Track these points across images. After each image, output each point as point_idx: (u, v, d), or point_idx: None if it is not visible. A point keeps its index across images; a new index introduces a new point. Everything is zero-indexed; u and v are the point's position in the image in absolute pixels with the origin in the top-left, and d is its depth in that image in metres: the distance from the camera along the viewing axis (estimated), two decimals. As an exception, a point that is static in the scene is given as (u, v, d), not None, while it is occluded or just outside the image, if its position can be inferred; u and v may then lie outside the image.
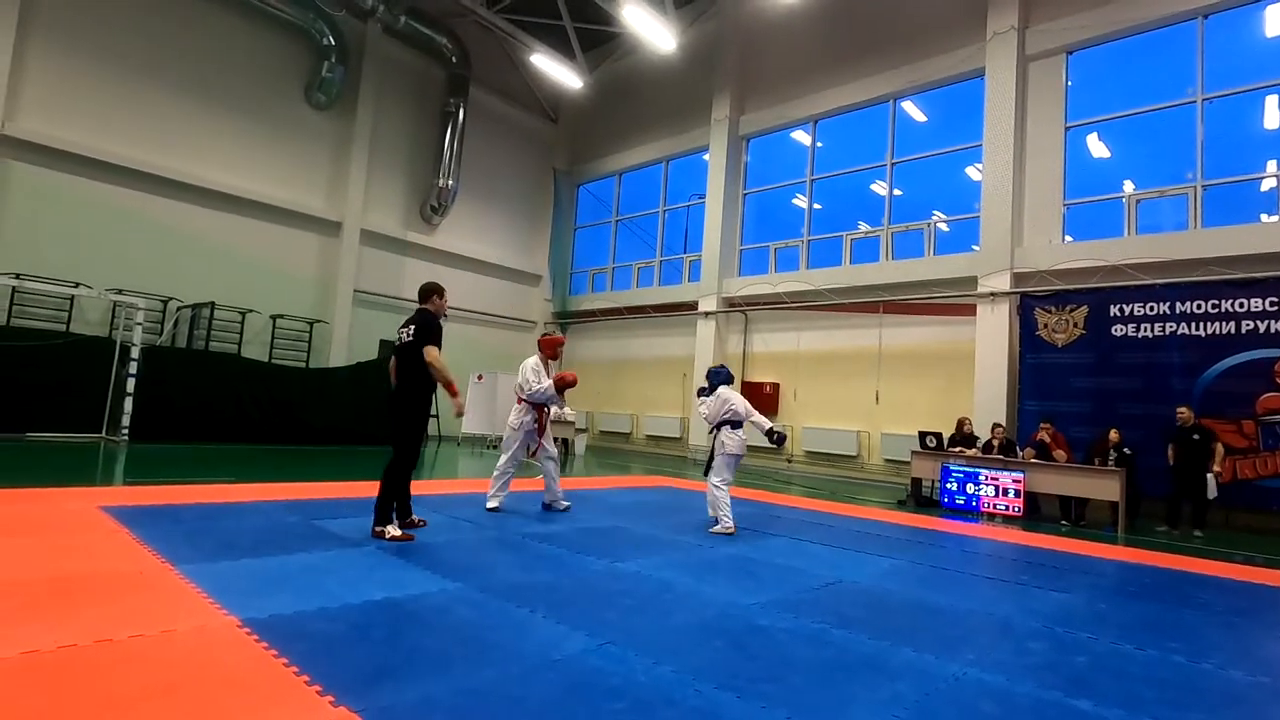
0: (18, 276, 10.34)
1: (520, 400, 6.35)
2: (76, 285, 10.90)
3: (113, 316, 11.47)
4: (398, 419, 4.90)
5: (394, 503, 4.90)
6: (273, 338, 13.60)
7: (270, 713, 2.12)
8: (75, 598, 3.05)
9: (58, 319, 11.03)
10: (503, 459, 6.35)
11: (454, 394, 4.80)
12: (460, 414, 5.08)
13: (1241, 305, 8.85)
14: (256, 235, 13.63)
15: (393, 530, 4.75)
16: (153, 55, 12.35)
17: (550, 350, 6.58)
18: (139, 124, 12.17)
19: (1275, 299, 8.62)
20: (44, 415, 9.69)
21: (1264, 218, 9.64)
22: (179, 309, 12.53)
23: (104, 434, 10.16)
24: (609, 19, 15.15)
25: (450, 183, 16.27)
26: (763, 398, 14.16)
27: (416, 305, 5.12)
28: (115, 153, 11.79)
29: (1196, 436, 8.17)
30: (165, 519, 4.87)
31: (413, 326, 4.83)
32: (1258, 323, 8.72)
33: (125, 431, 10.01)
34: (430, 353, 4.72)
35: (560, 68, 15.69)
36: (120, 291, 11.37)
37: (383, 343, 15.40)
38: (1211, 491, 7.88)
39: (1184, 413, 8.35)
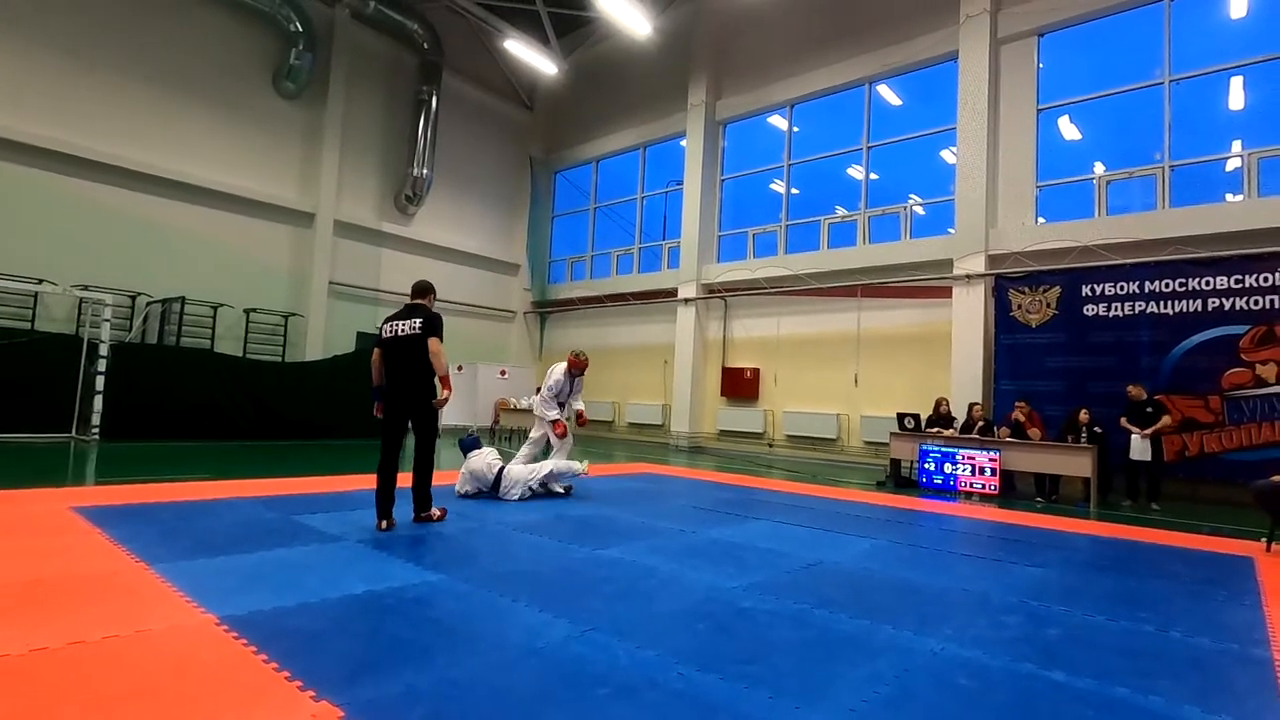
0: (-23, 273, 10.06)
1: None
2: (40, 282, 10.61)
3: (79, 313, 11.20)
4: (426, 410, 5.05)
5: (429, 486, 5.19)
6: (246, 332, 13.38)
7: (251, 710, 2.10)
8: (46, 600, 2.99)
9: (21, 317, 10.74)
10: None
11: (448, 389, 5.12)
12: (441, 406, 5.19)
13: (1207, 284, 9.04)
14: (227, 228, 13.36)
15: (436, 511, 5.19)
16: (114, 44, 11.99)
17: (578, 369, 7.43)
18: (101, 115, 11.83)
19: (1240, 277, 8.82)
20: (10, 415, 9.43)
21: (1229, 197, 9.84)
22: (148, 304, 12.26)
23: (74, 433, 9.93)
24: (583, 3, 14.97)
25: (425, 172, 16.06)
26: (743, 383, 14.26)
27: (408, 300, 5.26)
28: (78, 145, 11.46)
29: (1150, 410, 8.38)
30: (139, 518, 4.79)
31: (419, 320, 4.98)
32: (1223, 300, 8.93)
33: (96, 430, 9.80)
34: (439, 345, 4.98)
35: (535, 54, 15.49)
36: (86, 288, 11.10)
37: (360, 335, 15.23)
38: (1134, 453, 8.15)
39: (1134, 390, 8.54)
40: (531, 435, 7.60)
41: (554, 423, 7.22)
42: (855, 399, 12.62)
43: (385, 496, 4.90)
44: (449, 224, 17.42)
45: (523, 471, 6.60)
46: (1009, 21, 11.32)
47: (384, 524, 4.83)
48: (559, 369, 7.37)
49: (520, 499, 6.43)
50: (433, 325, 5.00)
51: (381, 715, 2.10)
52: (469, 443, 6.80)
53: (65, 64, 11.47)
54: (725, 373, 14.62)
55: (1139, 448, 8.18)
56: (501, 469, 6.53)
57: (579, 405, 7.58)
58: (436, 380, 5.05)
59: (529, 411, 14.33)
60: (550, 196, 19.46)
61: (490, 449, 6.87)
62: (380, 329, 5.13)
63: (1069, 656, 2.92)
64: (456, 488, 6.57)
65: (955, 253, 11.37)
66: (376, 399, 5.05)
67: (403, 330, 4.99)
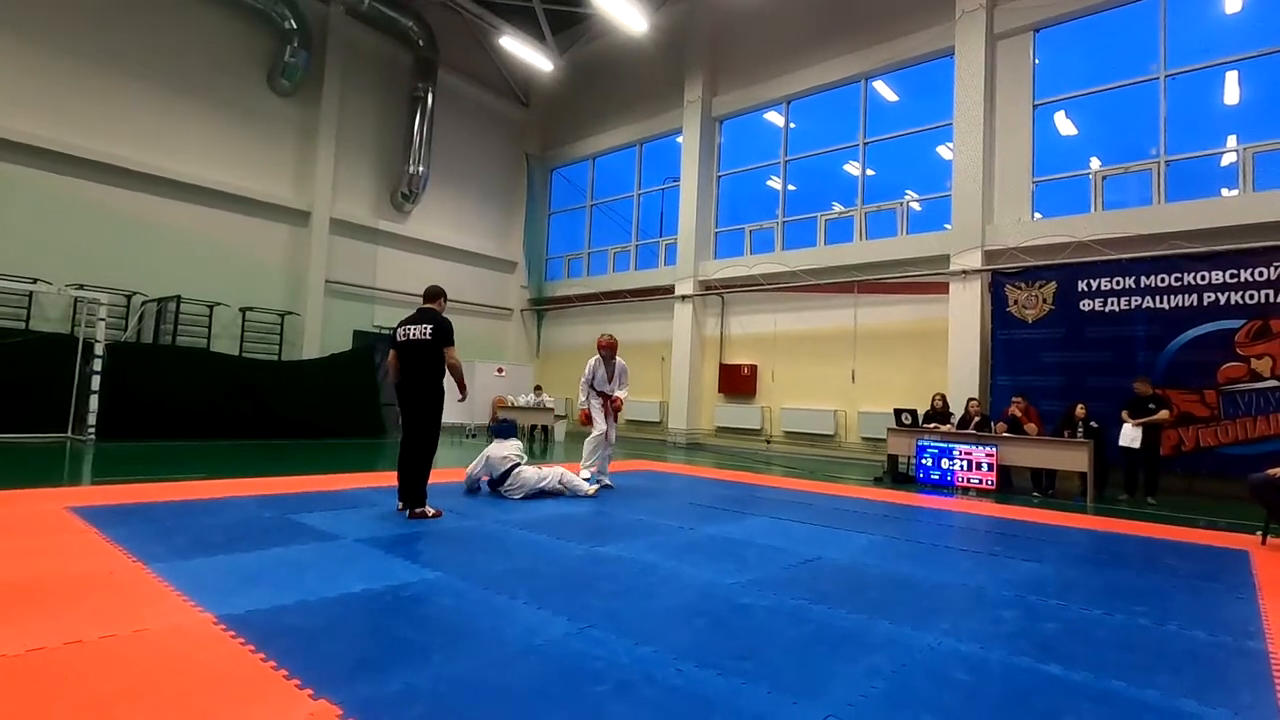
0: (-29, 273, 10.01)
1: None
2: (35, 281, 10.57)
3: (74, 313, 11.15)
4: (429, 411, 5.35)
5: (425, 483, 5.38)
6: (243, 331, 13.33)
7: (249, 708, 2.09)
8: (43, 600, 2.98)
9: (16, 317, 10.70)
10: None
11: (465, 394, 5.55)
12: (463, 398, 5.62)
13: (1203, 278, 9.07)
14: (223, 226, 13.31)
15: (430, 510, 5.26)
16: (108, 41, 11.92)
17: (605, 350, 7.50)
18: (96, 113, 11.76)
19: (1235, 271, 8.85)
20: (6, 416, 9.41)
21: (1224, 192, 9.86)
22: (144, 304, 12.21)
23: (70, 433, 9.91)
24: None
25: (421, 169, 16.01)
26: (741, 380, 14.27)
27: (420, 304, 5.57)
28: (71, 143, 11.40)
29: (1152, 406, 8.40)
30: (136, 518, 4.78)
31: (430, 326, 5.27)
32: (1218, 295, 8.95)
33: (92, 430, 9.77)
34: (455, 355, 5.33)
35: (530, 50, 15.44)
36: (81, 287, 11.05)
37: (357, 334, 15.20)
38: (1124, 439, 8.21)
39: (1140, 386, 8.56)
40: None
41: (583, 410, 7.43)
42: (853, 395, 12.64)
43: (404, 484, 5.31)
44: (445, 222, 17.38)
45: (532, 475, 6.52)
46: (1005, 17, 11.32)
47: (401, 504, 5.30)
48: (594, 359, 7.52)
49: (521, 498, 6.42)
50: (444, 333, 5.28)
51: (379, 713, 2.10)
52: (504, 429, 6.83)
53: (58, 62, 11.40)
54: (723, 369, 14.63)
55: (1129, 435, 8.22)
56: (514, 466, 6.46)
57: (620, 392, 7.49)
58: (453, 382, 5.32)
59: (526, 409, 14.39)
60: (546, 194, 19.42)
61: (516, 442, 6.77)
62: (395, 331, 5.43)
63: (1066, 650, 2.92)
64: (469, 470, 6.60)
65: (952, 248, 11.38)
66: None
67: (414, 335, 5.28)
